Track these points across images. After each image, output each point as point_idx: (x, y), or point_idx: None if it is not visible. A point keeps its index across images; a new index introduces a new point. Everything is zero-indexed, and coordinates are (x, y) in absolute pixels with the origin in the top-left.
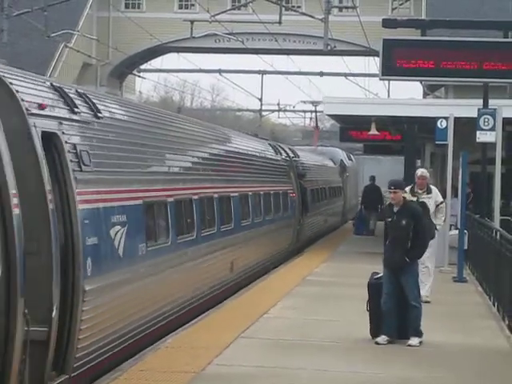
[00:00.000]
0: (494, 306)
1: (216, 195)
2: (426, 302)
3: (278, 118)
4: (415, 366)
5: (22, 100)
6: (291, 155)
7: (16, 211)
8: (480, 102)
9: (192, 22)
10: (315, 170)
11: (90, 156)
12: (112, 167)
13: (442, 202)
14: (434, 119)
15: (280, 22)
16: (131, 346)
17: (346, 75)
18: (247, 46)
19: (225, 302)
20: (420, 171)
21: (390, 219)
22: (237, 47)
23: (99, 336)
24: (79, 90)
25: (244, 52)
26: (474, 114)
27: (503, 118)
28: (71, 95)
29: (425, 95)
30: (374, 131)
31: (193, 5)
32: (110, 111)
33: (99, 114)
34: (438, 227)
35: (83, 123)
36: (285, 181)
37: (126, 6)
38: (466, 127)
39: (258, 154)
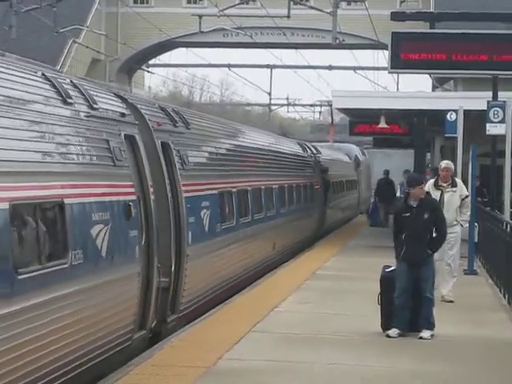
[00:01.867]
0: (505, 298)
1: (263, 187)
2: (450, 301)
3: (287, 112)
4: (426, 358)
5: (149, 120)
6: (314, 152)
7: (152, 198)
8: (489, 94)
9: (200, 16)
10: (334, 165)
11: (187, 158)
12: (199, 166)
13: (467, 196)
14: (444, 112)
15: (288, 16)
16: (215, 298)
17: (354, 69)
18: (256, 41)
19: (235, 296)
20: (444, 163)
21: (408, 214)
22: (245, 41)
23: (195, 288)
24: (175, 109)
25: (253, 46)
26: (484, 107)
27: None
28: (172, 113)
29: (434, 88)
30: (383, 124)
31: None
32: (194, 123)
33: (189, 127)
34: (462, 223)
35: (181, 134)
36: (311, 175)
37: (135, 1)
38: (475, 120)
39: (291, 153)
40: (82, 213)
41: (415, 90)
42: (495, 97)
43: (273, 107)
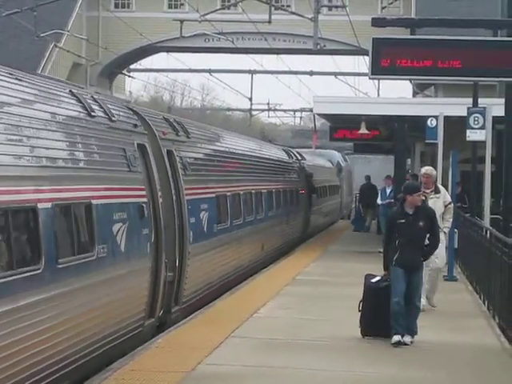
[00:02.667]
0: (484, 304)
1: (253, 191)
2: (433, 307)
3: (268, 117)
4: (407, 364)
5: (157, 130)
6: (299, 158)
7: (160, 200)
8: (470, 100)
9: (181, 21)
10: (318, 171)
11: (188, 164)
12: (199, 171)
13: (450, 203)
14: (424, 118)
15: (270, 22)
16: (212, 292)
17: (335, 74)
18: (237, 46)
19: (214, 301)
20: (424, 169)
21: (403, 221)
22: (227, 47)
23: (195, 282)
24: (176, 119)
25: (234, 52)
26: (464, 113)
27: (493, 117)
28: (174, 123)
29: (414, 94)
30: (363, 130)
31: (182, 4)
32: (194, 132)
33: (189, 136)
34: (445, 230)
35: (182, 142)
36: (296, 180)
37: (116, 6)
38: (456, 126)
39: (278, 159)
40: (105, 212)
41: (396, 95)
42: (475, 103)
43: (254, 112)
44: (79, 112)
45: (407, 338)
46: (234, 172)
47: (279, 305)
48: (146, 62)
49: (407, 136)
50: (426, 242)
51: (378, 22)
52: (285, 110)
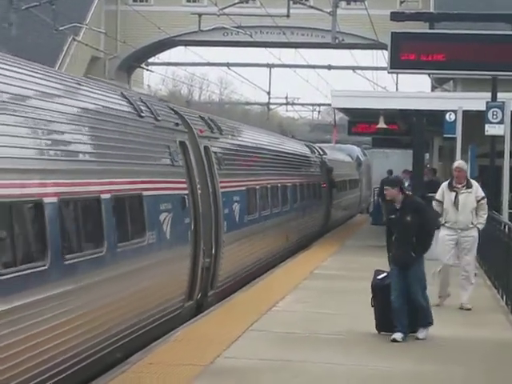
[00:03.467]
0: (503, 299)
1: (279, 184)
2: (468, 309)
3: (286, 111)
4: (424, 359)
5: (195, 128)
6: (321, 153)
7: (199, 192)
8: (488, 95)
9: (200, 15)
10: (338, 165)
11: (222, 159)
12: (231, 166)
13: (483, 198)
14: (443, 112)
15: (288, 16)
16: (245, 277)
17: (354, 68)
18: (255, 40)
19: (233, 295)
20: (457, 163)
21: (393, 216)
22: (245, 40)
23: (228, 269)
24: (211, 118)
25: (252, 45)
26: (483, 107)
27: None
28: (209, 121)
29: (433, 88)
30: (382, 124)
31: None
32: (226, 129)
33: (222, 132)
34: (479, 226)
35: (216, 139)
36: (318, 174)
37: (134, 0)
38: (474, 120)
39: (301, 154)
40: (153, 203)
41: (414, 90)
42: (494, 97)
43: (272, 106)
44: (131, 113)
45: (421, 334)
46: (262, 166)
47: (297, 299)
48: (164, 56)
49: (425, 130)
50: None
51: (396, 16)
52: (303, 104)
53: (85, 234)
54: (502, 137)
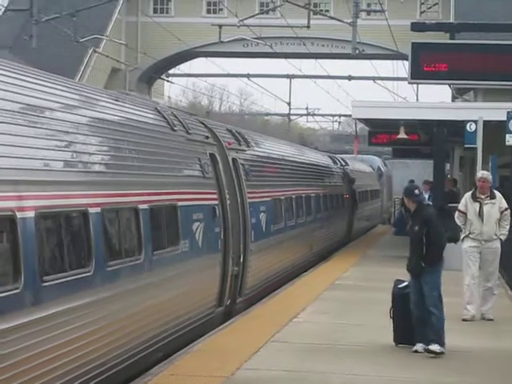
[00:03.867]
0: None
1: (303, 195)
2: (489, 319)
3: (307, 122)
4: (445, 370)
5: (223, 141)
6: (343, 164)
7: (228, 202)
8: (509, 104)
9: (220, 26)
10: (360, 176)
11: (249, 171)
12: (258, 177)
13: (506, 209)
14: (463, 122)
15: (308, 26)
16: (271, 285)
17: (374, 79)
18: (275, 51)
19: (253, 306)
20: (480, 173)
21: (408, 225)
22: (265, 51)
23: (255, 277)
24: (238, 131)
25: (272, 56)
26: (504, 117)
27: None
28: (236, 134)
29: (453, 99)
30: (402, 135)
31: (221, 9)
32: (252, 142)
33: (249, 145)
34: (501, 237)
35: (244, 151)
36: (341, 185)
37: (155, 11)
38: (495, 130)
39: (324, 165)
40: (187, 213)
41: (435, 100)
42: None
43: (292, 117)
44: (165, 127)
45: (434, 347)
46: (287, 177)
47: (318, 310)
48: (184, 67)
49: (446, 140)
50: None
51: (417, 27)
52: (323, 115)
53: (125, 242)
54: None
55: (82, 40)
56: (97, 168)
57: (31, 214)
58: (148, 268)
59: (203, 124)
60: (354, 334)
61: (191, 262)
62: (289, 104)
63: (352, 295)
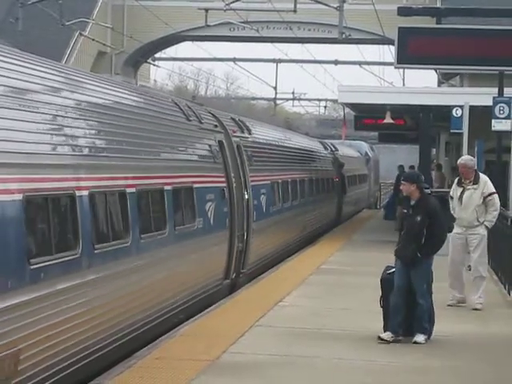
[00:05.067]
0: (509, 294)
1: (298, 179)
2: (475, 309)
3: (293, 106)
4: (430, 354)
5: (229, 129)
6: (333, 149)
7: (234, 185)
8: (495, 90)
9: (206, 10)
10: (349, 161)
11: (251, 156)
12: (258, 162)
13: (490, 194)
14: (449, 108)
15: (295, 11)
16: (270, 262)
17: (360, 64)
18: (262, 35)
19: (239, 290)
20: (460, 159)
21: (406, 211)
22: (251, 36)
23: (256, 253)
24: (240, 119)
25: (259, 40)
26: (490, 103)
27: None
28: (239, 122)
29: (440, 84)
30: (388, 120)
31: None
32: (253, 130)
33: (250, 132)
34: (487, 224)
35: (246, 138)
36: (331, 169)
37: None
38: (481, 116)
39: (316, 150)
40: (201, 193)
41: (421, 85)
42: (501, 93)
43: (278, 101)
44: (181, 117)
45: (419, 338)
46: (283, 162)
47: (304, 294)
48: (170, 51)
49: (432, 126)
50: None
51: (403, 12)
52: (309, 100)
53: (155, 218)
54: (509, 132)
55: (67, 23)
56: (139, 154)
57: (86, 192)
58: (172, 241)
59: (211, 113)
60: (340, 318)
61: (205, 238)
62: (275, 88)
63: (338, 279)
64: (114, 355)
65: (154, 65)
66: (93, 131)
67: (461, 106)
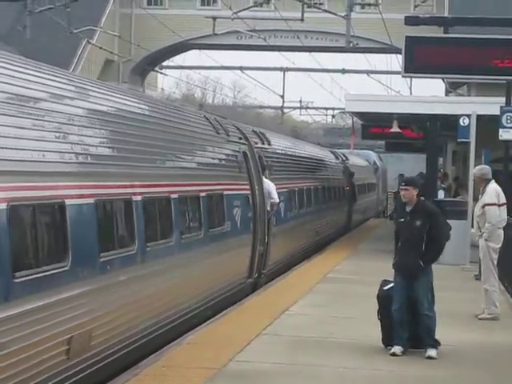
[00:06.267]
0: None
1: (312, 187)
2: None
3: (300, 115)
4: (436, 364)
5: (251, 141)
6: (344, 159)
7: (257, 193)
8: (503, 99)
9: (214, 18)
10: (358, 170)
11: (271, 166)
12: (278, 171)
13: (486, 205)
14: (457, 117)
15: (302, 19)
16: (287, 264)
17: (368, 72)
18: (269, 43)
19: (246, 298)
20: (475, 169)
21: (402, 219)
22: (259, 44)
23: (275, 256)
24: (261, 131)
25: (266, 49)
26: (497, 112)
27: None
28: (260, 134)
29: (447, 93)
30: (395, 128)
31: (215, 2)
32: (272, 141)
33: (270, 143)
34: (484, 236)
35: (266, 149)
36: (342, 178)
37: (149, 3)
38: (488, 125)
39: (328, 160)
40: (230, 200)
41: (428, 94)
42: (508, 102)
43: (285, 110)
44: (211, 131)
45: (432, 352)
46: (299, 171)
47: (311, 302)
48: (178, 59)
49: (439, 135)
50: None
51: (411, 21)
52: (317, 108)
53: (192, 221)
54: None
55: (75, 31)
56: (174, 168)
57: (92, 200)
58: (206, 242)
59: (235, 126)
60: (347, 327)
61: (233, 240)
62: (282, 97)
63: (344, 288)
64: (166, 336)
65: (161, 73)
66: (148, 149)
67: (468, 115)
